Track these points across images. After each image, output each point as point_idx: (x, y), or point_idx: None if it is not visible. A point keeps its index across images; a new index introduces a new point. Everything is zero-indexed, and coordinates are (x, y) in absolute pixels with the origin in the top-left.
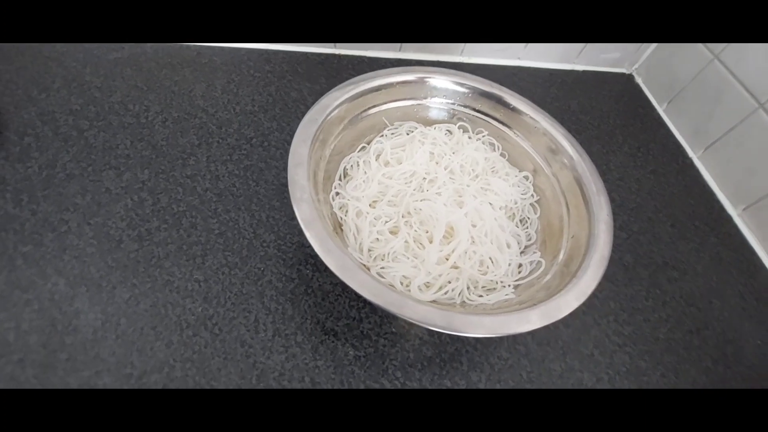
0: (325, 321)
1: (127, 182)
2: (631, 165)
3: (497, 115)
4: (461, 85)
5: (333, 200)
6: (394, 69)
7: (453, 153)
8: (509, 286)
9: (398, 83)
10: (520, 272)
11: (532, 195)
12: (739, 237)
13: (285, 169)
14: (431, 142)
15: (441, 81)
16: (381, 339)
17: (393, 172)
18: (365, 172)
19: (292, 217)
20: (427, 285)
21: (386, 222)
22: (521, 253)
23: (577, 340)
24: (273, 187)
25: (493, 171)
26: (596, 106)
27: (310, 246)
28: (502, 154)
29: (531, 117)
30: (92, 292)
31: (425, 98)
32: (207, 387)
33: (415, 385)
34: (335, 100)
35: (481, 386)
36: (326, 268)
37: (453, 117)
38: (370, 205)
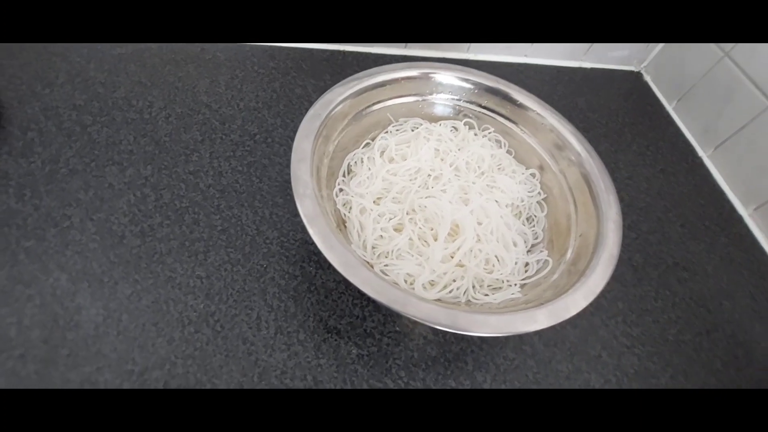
0: (328, 319)
1: (130, 178)
2: (640, 164)
3: (503, 112)
4: (467, 81)
5: (336, 197)
6: (399, 65)
7: (458, 150)
8: (515, 285)
9: (403, 79)
10: (526, 271)
11: (539, 193)
12: (750, 237)
13: (288, 165)
14: (436, 138)
15: (446, 77)
16: (384, 338)
17: (397, 169)
18: (369, 169)
19: (296, 213)
20: (432, 283)
21: (390, 219)
22: (528, 251)
23: (584, 341)
24: (276, 183)
25: (499, 168)
26: (604, 104)
27: (313, 243)
28: (508, 151)
29: (538, 113)
30: (94, 288)
31: (430, 94)
32: (208, 384)
33: (419, 385)
34: (339, 95)
35: (486, 386)
36: (329, 266)
37: (459, 113)
38: (374, 201)
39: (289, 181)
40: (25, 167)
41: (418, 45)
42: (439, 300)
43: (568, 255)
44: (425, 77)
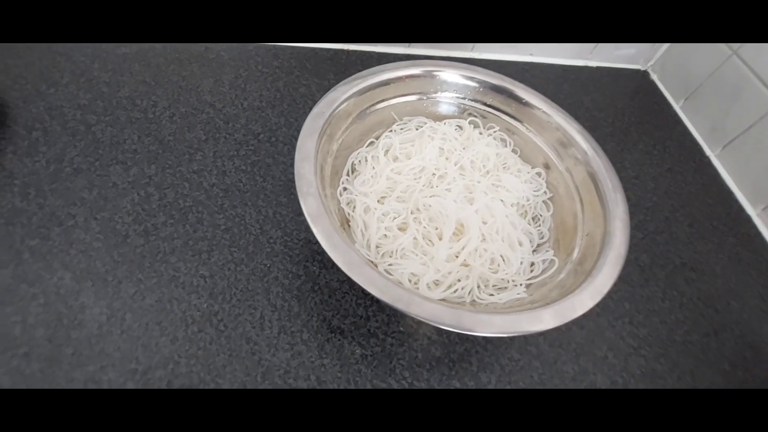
0: (331, 319)
1: (133, 177)
2: (647, 163)
3: (508, 110)
4: (472, 79)
5: (340, 196)
6: (403, 63)
7: (463, 148)
8: (521, 285)
9: (407, 77)
10: (532, 271)
11: (545, 192)
12: (759, 237)
13: (292, 164)
14: (441, 137)
15: (451, 75)
16: (388, 338)
17: (402, 168)
18: (373, 168)
19: (299, 213)
20: (436, 283)
21: (395, 218)
22: (533, 251)
23: (590, 342)
24: (280, 183)
25: (504, 167)
26: (610, 103)
27: (317, 242)
28: (513, 150)
29: (544, 111)
30: (98, 287)
31: (435, 93)
32: (212, 383)
33: (423, 385)
34: (343, 93)
35: (491, 387)
36: (333, 265)
37: (463, 112)
38: (378, 200)
39: (292, 180)
40: (29, 166)
41: (422, 44)
42: (443, 300)
43: (575, 254)
44: (429, 75)
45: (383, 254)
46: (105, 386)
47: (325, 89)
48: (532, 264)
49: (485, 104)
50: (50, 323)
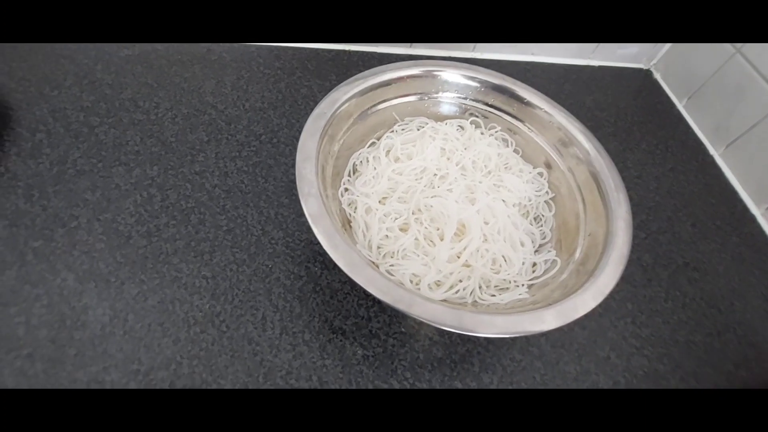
0: (333, 319)
1: (136, 178)
2: (650, 162)
3: (510, 110)
4: (473, 79)
5: (342, 196)
6: (404, 63)
7: (465, 149)
8: (523, 285)
9: (408, 77)
10: (534, 271)
11: (547, 192)
12: (763, 237)
13: (294, 165)
14: (442, 137)
15: (452, 75)
16: (390, 339)
17: (403, 168)
18: (375, 168)
19: (301, 214)
20: (438, 283)
21: (396, 219)
22: (535, 251)
23: (593, 343)
24: (282, 184)
25: (506, 167)
26: (613, 102)
27: (318, 243)
28: (515, 150)
29: (545, 111)
30: (101, 288)
31: (436, 93)
32: (214, 384)
33: (425, 386)
34: (344, 94)
35: (493, 388)
36: (335, 266)
37: (465, 112)
38: (379, 201)
39: (294, 181)
40: (33, 168)
41: (423, 44)
42: (445, 300)
43: (577, 255)
44: (431, 76)
45: (385, 255)
46: (108, 387)
47: (327, 90)
48: (534, 264)
49: (487, 104)
50: (53, 324)
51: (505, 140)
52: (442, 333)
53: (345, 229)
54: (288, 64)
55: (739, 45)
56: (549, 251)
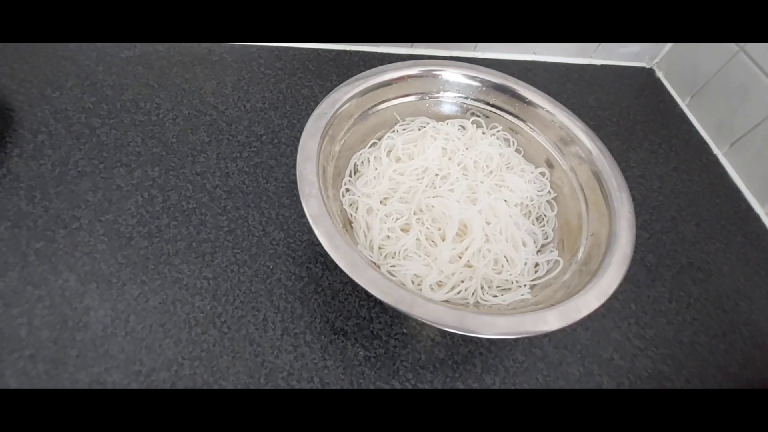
0: (334, 320)
1: (137, 179)
2: (653, 162)
3: (512, 109)
4: (474, 78)
5: (343, 197)
6: (405, 63)
7: (466, 148)
8: (525, 285)
9: (409, 77)
10: (536, 271)
11: (549, 191)
12: (767, 236)
13: (295, 166)
14: (444, 137)
15: (453, 75)
16: (392, 339)
17: (404, 168)
18: (376, 168)
19: (302, 214)
20: (439, 284)
21: (397, 219)
22: (538, 251)
23: (596, 343)
24: (283, 184)
25: (507, 167)
26: (615, 101)
27: (319, 244)
28: (517, 150)
29: (547, 110)
30: (102, 289)
31: (437, 93)
32: (215, 386)
33: (427, 387)
34: (345, 94)
35: (495, 389)
36: (336, 267)
37: (466, 112)
38: (380, 201)
39: (295, 182)
40: (35, 169)
41: (424, 44)
42: (446, 301)
43: (580, 255)
44: (432, 75)
45: (386, 255)
46: (109, 388)
47: (328, 90)
48: (537, 265)
49: (488, 104)
50: (55, 325)
51: (506, 140)
52: (444, 334)
53: (346, 230)
54: (289, 64)
55: (742, 43)
56: (551, 251)
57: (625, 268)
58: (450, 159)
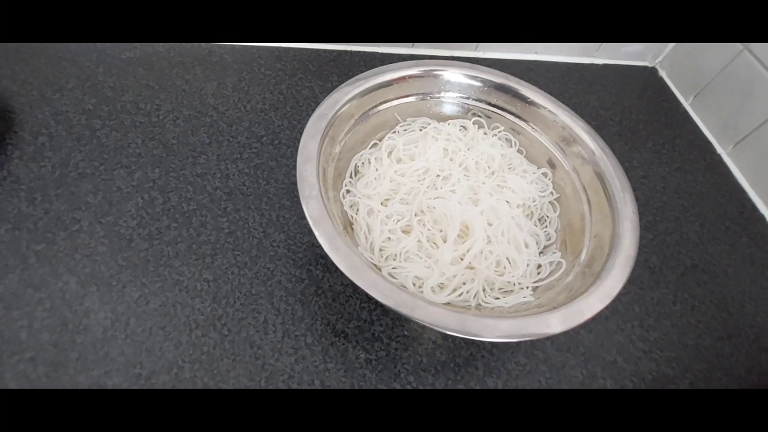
0: (335, 323)
1: (138, 181)
2: (656, 162)
3: (513, 110)
4: (475, 78)
5: (343, 198)
6: (406, 63)
7: (468, 149)
8: (527, 288)
9: (410, 77)
10: (539, 273)
11: (551, 192)
12: None
13: (295, 167)
14: (445, 138)
15: (454, 75)
16: (393, 342)
17: (405, 169)
18: (377, 170)
19: (303, 216)
20: (441, 286)
21: (398, 220)
22: (540, 253)
23: (599, 346)
24: (283, 186)
25: (509, 168)
26: (617, 101)
27: (320, 246)
28: (519, 150)
29: (549, 110)
30: (102, 291)
31: (438, 93)
32: (215, 389)
33: (428, 389)
34: (346, 95)
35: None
36: (337, 269)
37: (467, 112)
38: (381, 203)
39: (296, 183)
40: (35, 171)
41: (425, 44)
42: (448, 303)
43: (583, 256)
44: (433, 75)
45: (387, 257)
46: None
47: (328, 91)
48: (539, 266)
49: (490, 104)
50: (56, 328)
51: (508, 140)
52: (446, 336)
53: (347, 232)
54: (289, 65)
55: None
56: (554, 253)
57: (628, 270)
58: (451, 160)
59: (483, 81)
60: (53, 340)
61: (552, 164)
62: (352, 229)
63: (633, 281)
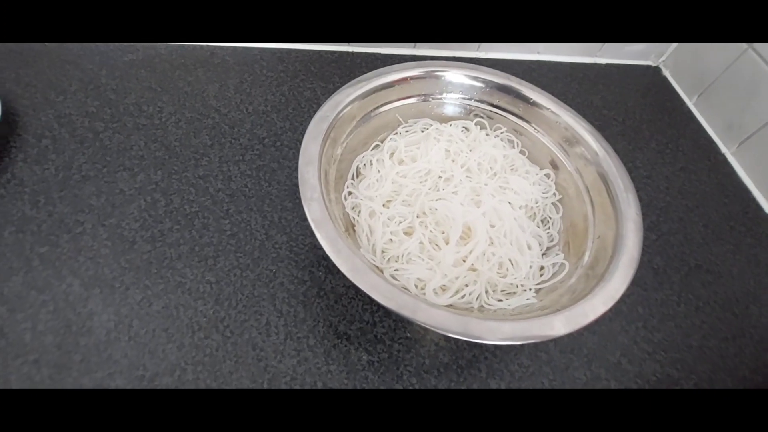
0: (337, 324)
1: (140, 183)
2: (660, 162)
3: (516, 110)
4: (477, 79)
5: (345, 200)
6: (408, 64)
7: (470, 150)
8: (530, 289)
9: (411, 79)
10: (542, 275)
11: (554, 194)
12: None
13: (297, 168)
14: (447, 139)
15: (456, 76)
16: (395, 344)
17: (407, 171)
18: (378, 171)
19: (305, 218)
20: (443, 288)
21: (400, 222)
22: (543, 254)
23: (603, 348)
24: (285, 187)
25: (512, 169)
26: (621, 101)
27: (322, 248)
28: (521, 151)
29: (552, 111)
30: (105, 294)
31: (440, 94)
32: (218, 389)
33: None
34: (347, 96)
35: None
36: (339, 271)
37: (469, 113)
38: (383, 204)
39: (298, 185)
40: (39, 174)
41: (427, 45)
42: (450, 306)
43: (586, 258)
44: (434, 76)
45: (389, 259)
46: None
47: (331, 92)
48: (542, 268)
49: (492, 105)
50: (59, 330)
51: (510, 141)
52: (449, 338)
53: (348, 234)
54: (291, 66)
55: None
56: (557, 254)
57: (632, 271)
58: (453, 161)
59: (485, 82)
60: (57, 342)
61: (555, 165)
62: (354, 230)
63: (637, 282)
